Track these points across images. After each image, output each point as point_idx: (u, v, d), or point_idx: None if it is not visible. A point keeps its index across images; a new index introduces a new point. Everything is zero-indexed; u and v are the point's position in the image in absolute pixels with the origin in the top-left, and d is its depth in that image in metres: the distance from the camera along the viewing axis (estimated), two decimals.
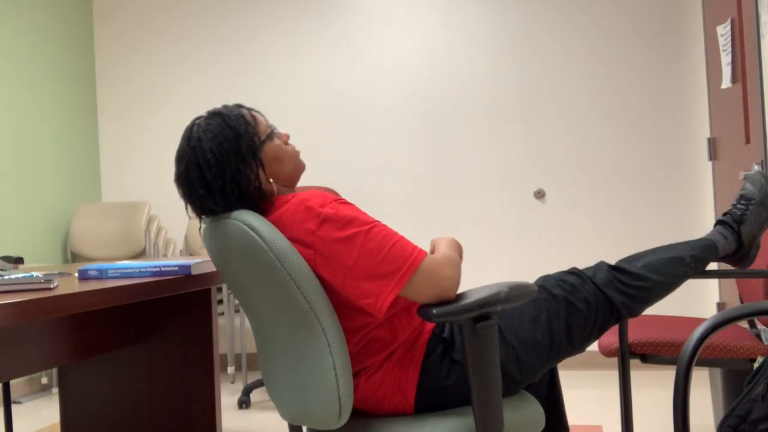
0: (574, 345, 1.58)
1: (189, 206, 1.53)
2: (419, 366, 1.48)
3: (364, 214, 1.43)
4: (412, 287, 1.36)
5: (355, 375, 1.51)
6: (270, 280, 1.39)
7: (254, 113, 1.56)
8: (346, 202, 1.45)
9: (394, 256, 1.36)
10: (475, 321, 1.33)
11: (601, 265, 1.68)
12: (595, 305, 1.60)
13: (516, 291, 1.34)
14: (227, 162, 1.46)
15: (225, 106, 1.54)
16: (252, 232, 1.38)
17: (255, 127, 1.52)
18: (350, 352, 1.49)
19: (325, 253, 1.39)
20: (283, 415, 1.51)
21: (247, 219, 1.40)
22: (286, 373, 1.47)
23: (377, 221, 1.42)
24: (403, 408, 1.49)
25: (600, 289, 1.61)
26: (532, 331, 1.53)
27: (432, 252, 1.51)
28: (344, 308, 1.46)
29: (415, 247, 1.39)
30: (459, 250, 1.51)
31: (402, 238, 1.40)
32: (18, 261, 2.13)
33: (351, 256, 1.36)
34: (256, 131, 1.51)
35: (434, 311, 1.32)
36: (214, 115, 1.51)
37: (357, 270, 1.36)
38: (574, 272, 1.67)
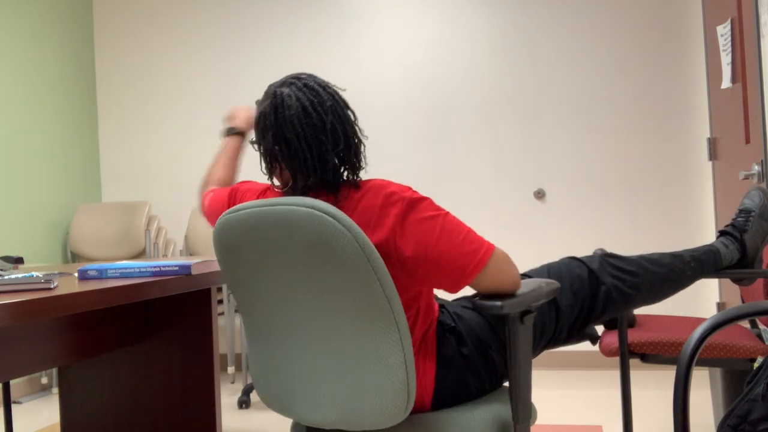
0: (564, 328, 1.61)
1: (281, 146, 1.44)
2: (434, 358, 1.46)
3: None
4: (488, 271, 1.37)
5: None
6: (343, 273, 1.29)
7: None
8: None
9: (472, 238, 1.38)
10: (523, 314, 1.38)
11: (596, 254, 1.73)
12: (583, 287, 1.65)
13: (551, 287, 1.48)
14: (343, 112, 1.46)
15: None
16: (333, 220, 1.26)
17: None
18: None
19: (408, 233, 1.36)
20: (324, 418, 1.39)
21: (322, 206, 1.28)
22: (327, 375, 1.36)
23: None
24: (421, 403, 1.45)
25: (592, 271, 1.65)
26: None
27: None
28: None
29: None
30: None
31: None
32: (18, 261, 2.13)
33: (434, 234, 1.36)
34: None
35: (499, 303, 1.33)
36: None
37: (440, 245, 1.36)
38: (567, 259, 1.72)
